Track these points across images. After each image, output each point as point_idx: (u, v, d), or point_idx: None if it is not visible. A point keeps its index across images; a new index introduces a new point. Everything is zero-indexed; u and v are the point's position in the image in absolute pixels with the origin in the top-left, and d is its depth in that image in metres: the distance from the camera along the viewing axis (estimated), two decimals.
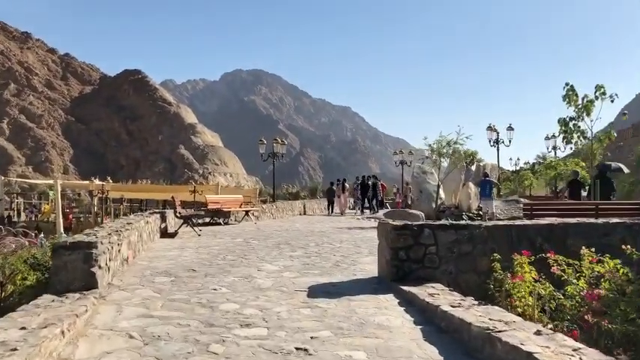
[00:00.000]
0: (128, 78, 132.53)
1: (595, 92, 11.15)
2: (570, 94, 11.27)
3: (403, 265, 6.65)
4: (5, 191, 42.04)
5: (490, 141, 35.75)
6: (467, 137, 17.83)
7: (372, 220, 20.66)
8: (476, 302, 5.35)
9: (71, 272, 5.94)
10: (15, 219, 35.70)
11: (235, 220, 18.66)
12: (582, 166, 28.39)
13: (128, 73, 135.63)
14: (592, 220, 7.61)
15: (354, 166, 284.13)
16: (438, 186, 18.70)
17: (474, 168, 22.45)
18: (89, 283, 5.96)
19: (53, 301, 5.35)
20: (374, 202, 26.80)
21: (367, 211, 26.20)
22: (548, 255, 6.30)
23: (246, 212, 18.89)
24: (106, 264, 6.47)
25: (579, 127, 11.49)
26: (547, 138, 41.61)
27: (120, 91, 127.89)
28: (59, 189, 28.89)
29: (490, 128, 36.17)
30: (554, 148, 41.24)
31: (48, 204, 40.45)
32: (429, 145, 17.66)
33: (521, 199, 22.58)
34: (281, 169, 32.58)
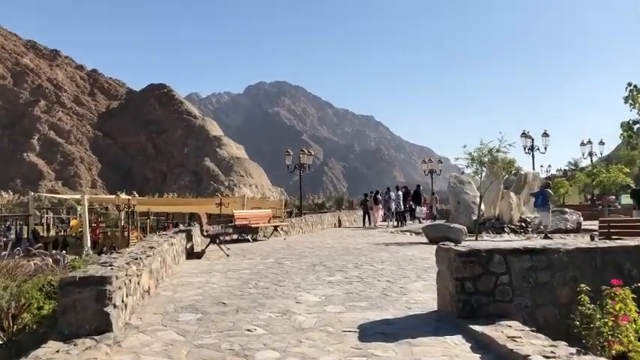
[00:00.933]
0: (154, 92, 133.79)
1: None
2: (636, 95, 10.03)
3: (470, 299, 5.59)
4: (35, 206, 42.18)
5: (525, 148, 34.25)
6: (510, 144, 16.67)
7: (408, 234, 19.58)
8: (573, 350, 4.27)
9: (81, 313, 5.04)
10: (44, 234, 35.64)
11: (264, 236, 17.75)
12: (626, 173, 27.02)
13: (154, 88, 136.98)
14: None
15: (378, 175, 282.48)
16: (481, 197, 17.53)
17: (514, 177, 21.21)
18: (102, 325, 5.05)
19: (58, 351, 4.46)
20: (407, 213, 25.74)
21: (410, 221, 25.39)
22: None
23: (275, 227, 17.98)
24: (123, 301, 5.56)
25: None
26: (582, 144, 40.05)
27: (146, 106, 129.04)
28: (86, 204, 28.56)
29: (524, 135, 34.69)
30: (590, 154, 39.69)
31: (76, 219, 40.36)
32: (469, 154, 16.51)
33: (566, 209, 21.21)
34: (305, 179, 31.70)
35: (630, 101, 10.72)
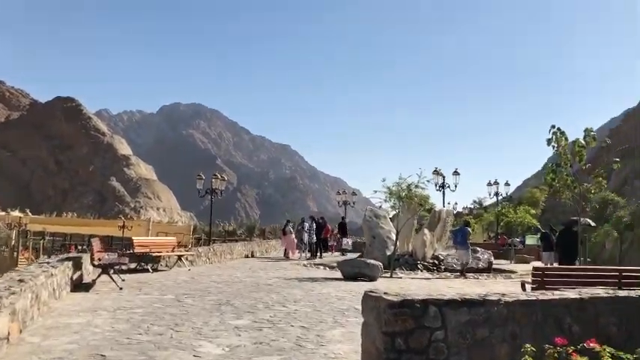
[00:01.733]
0: (60, 105, 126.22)
1: (584, 137, 9.92)
2: (560, 137, 9.96)
3: (401, 358, 4.77)
4: None
5: (436, 185, 34.82)
6: (427, 181, 16.47)
7: (322, 267, 18.77)
8: None
9: None
10: None
11: (166, 266, 16.26)
12: (533, 214, 27.92)
13: (60, 100, 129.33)
14: (626, 293, 6.07)
15: (292, 204, 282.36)
16: (398, 232, 17.11)
17: (428, 213, 21.12)
18: None
19: None
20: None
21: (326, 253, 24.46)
22: (592, 345, 4.65)
23: (179, 257, 16.54)
24: None
25: (568, 174, 10.17)
26: (489, 184, 41.50)
27: (51, 119, 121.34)
28: None
29: (436, 172, 35.32)
30: (497, 194, 41.12)
31: None
32: (388, 188, 16.10)
33: (478, 248, 21.30)
34: (217, 205, 30.31)
35: (553, 143, 10.70)
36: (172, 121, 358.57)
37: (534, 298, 5.65)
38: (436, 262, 19.85)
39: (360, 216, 52.16)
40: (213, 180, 29.50)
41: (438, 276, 17.11)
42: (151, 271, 14.73)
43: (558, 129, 10.21)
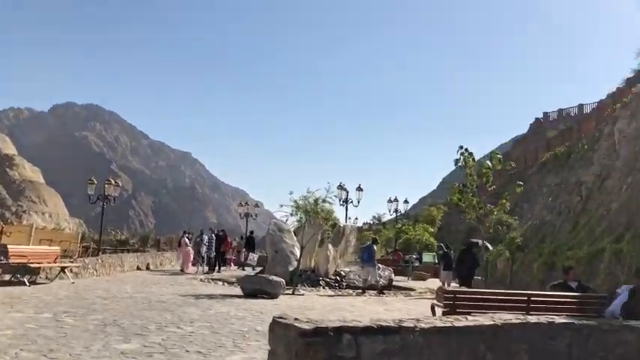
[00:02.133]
0: None
1: (491, 159, 10.06)
2: (467, 158, 10.03)
3: None
4: None
5: (340, 200, 34.98)
6: (335, 196, 16.23)
7: (220, 283, 17.93)
8: None
9: None
10: None
11: (47, 278, 14.72)
12: (431, 232, 28.74)
13: None
14: (536, 318, 5.98)
15: (190, 214, 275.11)
16: (302, 248, 16.69)
17: (333, 229, 20.95)
18: None
19: None
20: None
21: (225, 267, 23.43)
22: None
23: (62, 269, 15.05)
24: None
25: (474, 195, 10.27)
26: (390, 201, 42.50)
27: None
28: None
29: (341, 187, 35.53)
30: (396, 211, 42.20)
31: None
32: (295, 201, 15.68)
33: (379, 265, 21.30)
34: (110, 212, 28.41)
35: (461, 163, 10.81)
36: (65, 122, 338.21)
37: (450, 324, 5.36)
38: (338, 278, 19.63)
39: (261, 228, 51.36)
40: (107, 185, 27.66)
41: (340, 293, 16.86)
42: (27, 284, 13.20)
43: (466, 150, 10.31)
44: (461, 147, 10.50)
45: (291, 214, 16.03)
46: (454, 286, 17.95)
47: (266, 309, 11.27)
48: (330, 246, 19.93)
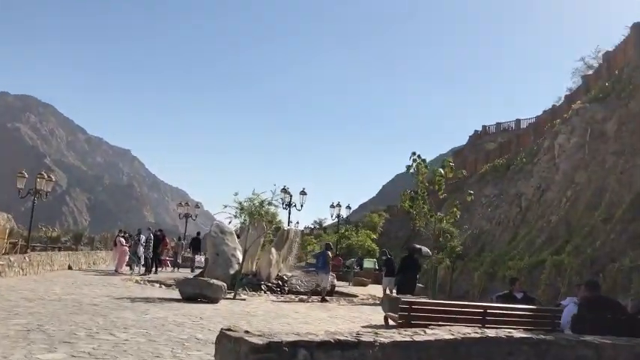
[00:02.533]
0: None
1: (443, 167, 9.93)
2: (420, 164, 9.87)
3: None
4: None
5: (283, 203, 34.58)
6: (280, 198, 15.83)
7: (157, 285, 17.14)
8: None
9: None
10: None
11: None
12: (373, 239, 28.74)
13: None
14: (494, 332, 5.80)
15: (126, 213, 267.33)
16: (246, 251, 16.16)
17: (277, 232, 20.51)
18: None
19: None
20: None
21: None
22: None
23: None
24: None
25: (425, 202, 10.11)
26: (332, 206, 42.44)
27: None
28: None
29: (284, 190, 35.14)
30: (338, 216, 42.20)
31: None
32: (240, 203, 15.13)
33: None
34: (41, 207, 26.83)
35: (413, 170, 10.66)
36: None
37: (409, 339, 5.08)
38: (280, 282, 19.20)
39: (200, 230, 50.03)
40: (39, 179, 26.12)
41: (283, 299, 16.42)
42: None
43: (419, 156, 10.17)
44: (414, 153, 10.37)
45: (235, 216, 15.48)
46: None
47: (206, 314, 10.73)
48: (273, 250, 19.48)
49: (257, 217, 15.72)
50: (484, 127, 68.65)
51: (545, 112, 61.75)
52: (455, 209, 10.08)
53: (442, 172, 9.94)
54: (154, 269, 22.39)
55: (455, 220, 9.99)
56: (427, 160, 12.22)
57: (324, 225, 74.21)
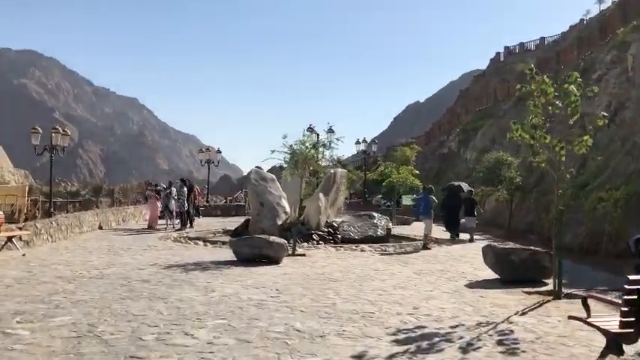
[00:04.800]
0: None
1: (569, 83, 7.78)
2: (546, 84, 7.71)
3: None
4: None
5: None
6: (337, 139, 13.87)
7: (201, 243, 15.44)
8: None
9: None
10: None
11: None
12: (415, 175, 26.75)
13: None
14: None
15: (140, 162, 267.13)
16: (301, 200, 14.33)
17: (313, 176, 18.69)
18: None
19: None
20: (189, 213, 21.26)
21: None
22: None
23: (9, 238, 12.20)
24: None
25: (547, 132, 8.05)
26: (358, 142, 40.36)
27: None
28: None
29: (310, 129, 32.99)
30: (364, 152, 40.19)
31: None
32: (290, 147, 13.15)
33: (374, 214, 19.19)
34: (56, 162, 25.04)
35: (537, 92, 8.39)
36: (1, 69, 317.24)
37: None
38: (331, 230, 17.42)
39: (214, 176, 48.08)
40: (54, 134, 24.21)
41: (342, 250, 14.63)
42: None
43: (536, 73, 8.03)
44: (530, 70, 8.17)
45: (286, 162, 13.53)
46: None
47: (280, 283, 8.91)
48: (321, 195, 17.57)
49: (311, 162, 13.74)
50: (506, 47, 65.05)
51: (573, 26, 57.73)
52: (587, 137, 7.98)
53: (575, 90, 7.78)
54: (188, 223, 20.73)
55: (586, 151, 7.97)
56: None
57: (342, 161, 72.17)
